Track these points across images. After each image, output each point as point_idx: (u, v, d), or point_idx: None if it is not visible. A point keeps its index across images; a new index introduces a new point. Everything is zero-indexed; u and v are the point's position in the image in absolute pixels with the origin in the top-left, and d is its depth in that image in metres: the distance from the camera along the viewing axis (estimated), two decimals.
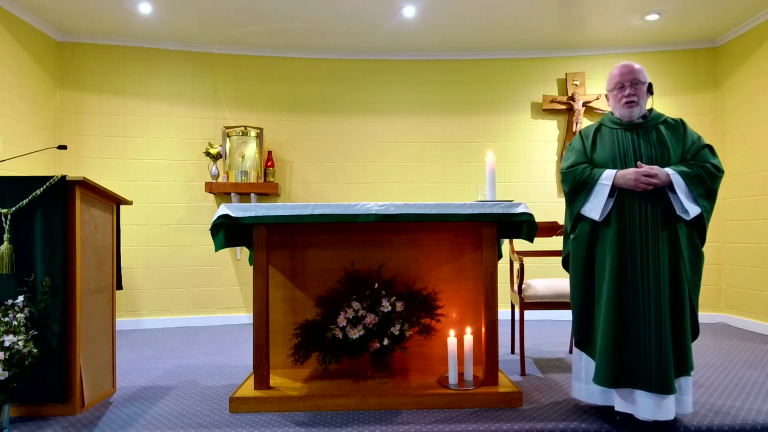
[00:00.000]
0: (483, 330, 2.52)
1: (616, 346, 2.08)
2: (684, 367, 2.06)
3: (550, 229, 3.46)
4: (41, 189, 2.31)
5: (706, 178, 2.14)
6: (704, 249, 2.21)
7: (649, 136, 2.23)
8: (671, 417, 2.04)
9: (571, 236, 2.34)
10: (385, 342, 2.51)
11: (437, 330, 2.73)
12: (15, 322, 2.18)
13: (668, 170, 2.12)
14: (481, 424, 2.17)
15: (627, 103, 2.24)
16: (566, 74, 5.02)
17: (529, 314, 4.69)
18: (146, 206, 4.71)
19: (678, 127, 2.26)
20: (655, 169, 2.11)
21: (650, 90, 2.29)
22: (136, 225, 4.67)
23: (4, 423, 2.16)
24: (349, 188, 5.02)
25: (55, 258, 2.31)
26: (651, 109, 2.33)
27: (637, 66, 2.27)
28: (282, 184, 4.98)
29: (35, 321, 2.28)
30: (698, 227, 2.17)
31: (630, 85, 2.23)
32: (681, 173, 2.12)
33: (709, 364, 3.18)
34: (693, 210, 2.12)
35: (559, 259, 4.10)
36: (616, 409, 2.12)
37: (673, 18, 4.34)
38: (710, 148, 2.23)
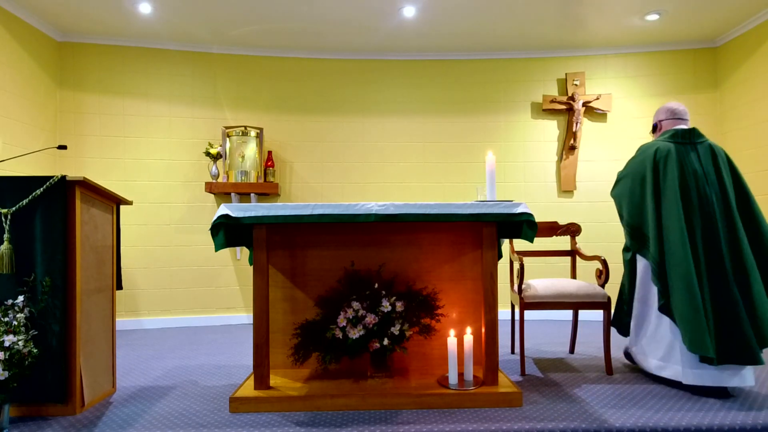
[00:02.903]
0: (483, 330, 2.52)
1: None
2: None
3: (550, 229, 3.46)
4: (41, 189, 2.31)
5: None
6: None
7: None
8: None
9: None
10: (385, 342, 2.51)
11: (437, 330, 2.72)
12: (15, 322, 2.18)
13: None
14: (481, 424, 2.17)
15: None
16: (566, 74, 5.02)
17: (529, 314, 4.71)
18: (146, 206, 4.71)
19: None
20: None
21: (653, 131, 2.96)
22: (136, 225, 4.67)
23: (4, 423, 2.16)
24: (349, 188, 5.02)
25: (55, 258, 2.31)
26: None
27: None
28: (282, 184, 4.98)
29: (35, 321, 2.28)
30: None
31: None
32: None
33: None
34: None
35: (559, 259, 4.15)
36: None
37: (673, 18, 4.34)
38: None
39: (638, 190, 2.70)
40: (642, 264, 2.73)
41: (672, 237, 2.52)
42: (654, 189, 2.63)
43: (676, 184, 2.55)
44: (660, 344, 2.62)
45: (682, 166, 2.59)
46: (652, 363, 2.67)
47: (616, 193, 2.90)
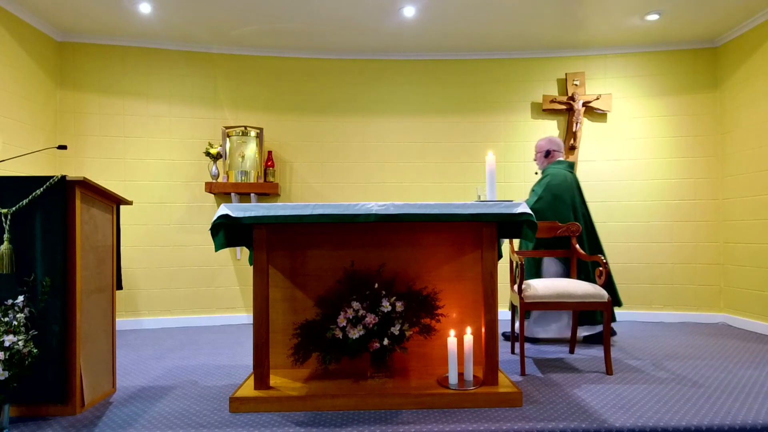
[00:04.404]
0: (483, 330, 2.53)
1: None
2: None
3: (550, 229, 3.46)
4: (41, 189, 2.31)
5: None
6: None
7: None
8: None
9: None
10: (385, 342, 2.51)
11: (437, 330, 2.72)
12: (15, 322, 2.18)
13: None
14: (481, 424, 2.17)
15: None
16: (566, 74, 5.02)
17: None
18: (146, 206, 4.71)
19: None
20: None
21: (546, 155, 3.98)
22: (136, 225, 4.67)
23: (4, 423, 2.16)
24: (349, 188, 5.02)
25: (55, 258, 2.31)
26: (547, 168, 3.94)
27: (537, 143, 4.07)
28: (282, 184, 4.98)
29: (35, 321, 2.28)
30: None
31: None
32: None
33: (709, 364, 3.18)
34: None
35: (559, 259, 4.09)
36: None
37: (673, 18, 4.34)
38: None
39: (554, 203, 3.68)
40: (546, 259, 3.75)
41: None
42: (572, 202, 3.75)
43: (576, 201, 3.79)
44: (548, 319, 3.77)
45: (575, 187, 3.83)
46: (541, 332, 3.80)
47: (539, 207, 3.69)
